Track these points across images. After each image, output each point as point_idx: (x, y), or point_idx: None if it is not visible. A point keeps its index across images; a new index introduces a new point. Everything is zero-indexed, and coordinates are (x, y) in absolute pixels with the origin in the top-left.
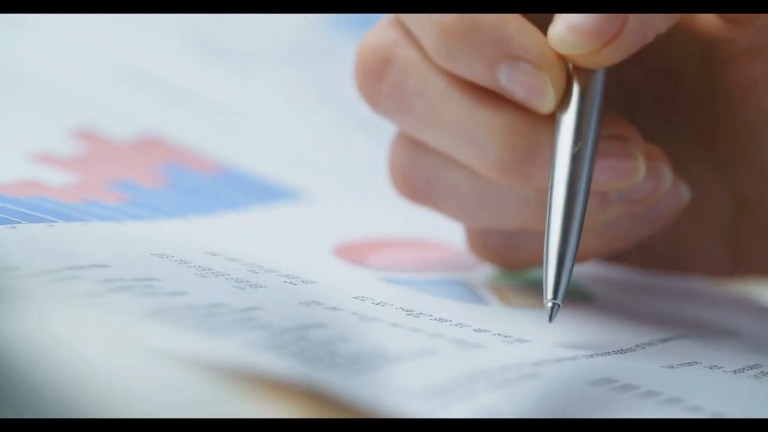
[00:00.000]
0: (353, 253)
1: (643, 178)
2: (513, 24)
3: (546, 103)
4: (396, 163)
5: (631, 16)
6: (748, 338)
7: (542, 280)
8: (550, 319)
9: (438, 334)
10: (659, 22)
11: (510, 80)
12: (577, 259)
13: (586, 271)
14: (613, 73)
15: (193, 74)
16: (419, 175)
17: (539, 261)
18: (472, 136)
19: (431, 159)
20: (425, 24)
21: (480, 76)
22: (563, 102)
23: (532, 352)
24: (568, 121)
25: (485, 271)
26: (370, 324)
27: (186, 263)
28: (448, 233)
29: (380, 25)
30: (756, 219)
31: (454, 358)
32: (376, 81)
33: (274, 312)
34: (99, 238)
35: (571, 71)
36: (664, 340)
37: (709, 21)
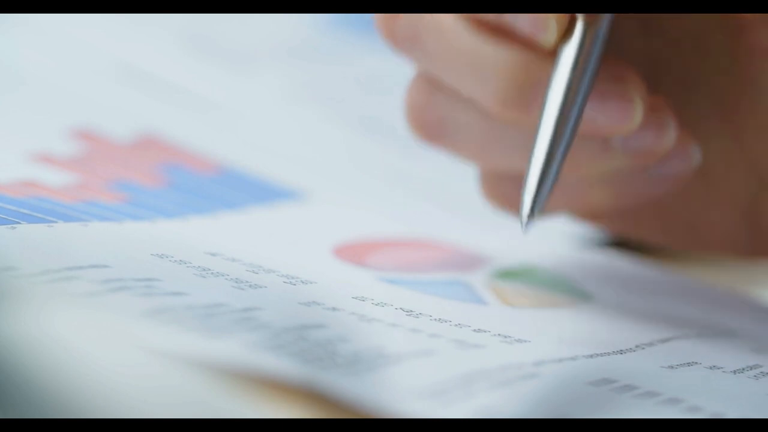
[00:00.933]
0: (353, 253)
1: (642, 126)
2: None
3: (548, 38)
4: (411, 103)
5: None
6: (748, 338)
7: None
8: (524, 229)
9: (437, 335)
10: None
11: (515, 14)
12: (589, 217)
13: (586, 269)
14: (638, 46)
15: (193, 74)
16: (433, 113)
17: (552, 209)
18: (479, 71)
19: (444, 97)
20: None
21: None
22: (565, 39)
23: (532, 353)
24: (567, 54)
25: (485, 271)
26: (369, 324)
27: (185, 263)
28: (448, 233)
29: None
30: None
31: (453, 359)
32: (392, 20)
33: (274, 312)
34: (99, 239)
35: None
36: (664, 341)
37: None
